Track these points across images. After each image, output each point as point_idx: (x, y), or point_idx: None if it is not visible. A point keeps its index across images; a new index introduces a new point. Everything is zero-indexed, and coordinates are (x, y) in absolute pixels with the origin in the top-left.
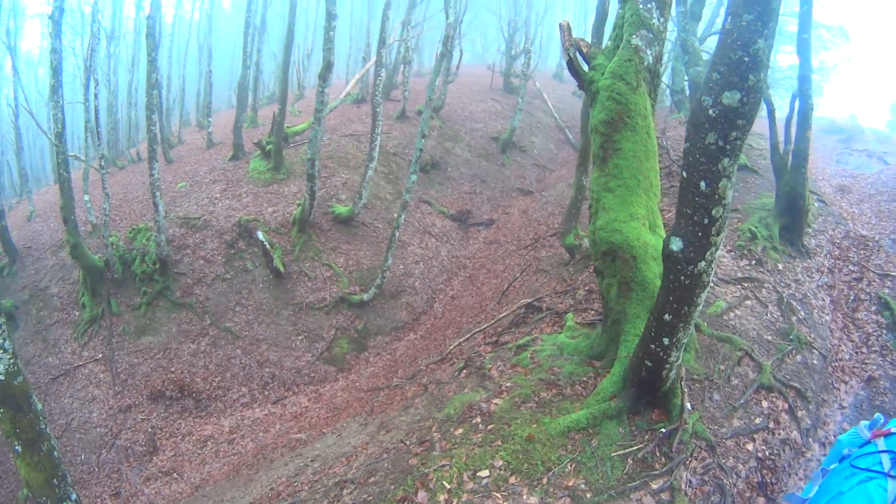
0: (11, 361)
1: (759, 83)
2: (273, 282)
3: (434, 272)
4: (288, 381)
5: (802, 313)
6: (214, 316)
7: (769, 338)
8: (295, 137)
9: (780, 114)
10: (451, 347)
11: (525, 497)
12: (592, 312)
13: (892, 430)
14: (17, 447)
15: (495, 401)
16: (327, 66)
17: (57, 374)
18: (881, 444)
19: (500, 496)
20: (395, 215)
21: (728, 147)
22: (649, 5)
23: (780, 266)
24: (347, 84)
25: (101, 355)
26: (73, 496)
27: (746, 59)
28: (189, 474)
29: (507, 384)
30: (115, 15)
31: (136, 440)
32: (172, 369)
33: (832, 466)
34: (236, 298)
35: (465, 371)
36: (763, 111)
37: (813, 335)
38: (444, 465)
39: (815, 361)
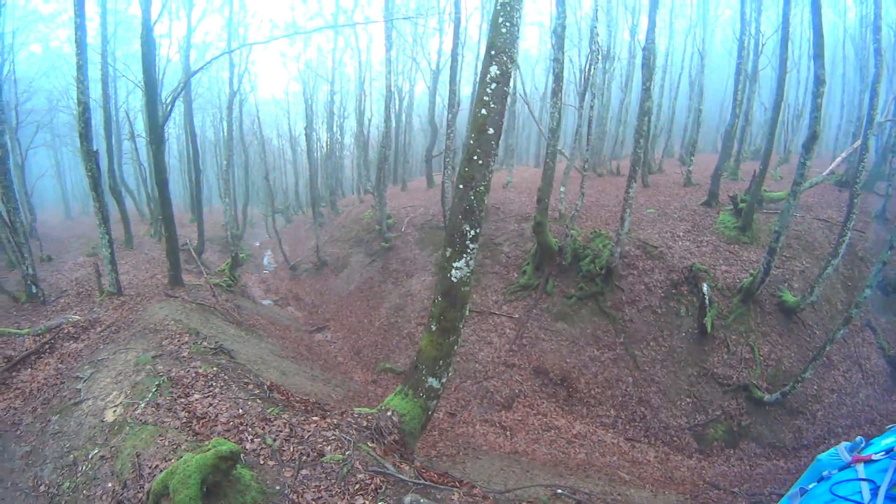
0: (468, 274)
1: None
2: (695, 336)
3: (842, 411)
4: (651, 429)
5: None
6: (629, 338)
7: None
8: (770, 204)
9: None
10: None
11: None
12: None
13: (873, 456)
14: (432, 326)
15: None
16: (813, 137)
17: (470, 309)
18: (862, 471)
19: None
20: (835, 328)
21: None
22: None
23: None
24: (834, 159)
25: (517, 315)
26: (443, 379)
27: None
28: (518, 440)
29: None
30: (610, 36)
31: (500, 391)
32: (567, 360)
33: (810, 486)
34: (655, 334)
35: None
36: None
37: None
38: None
39: None
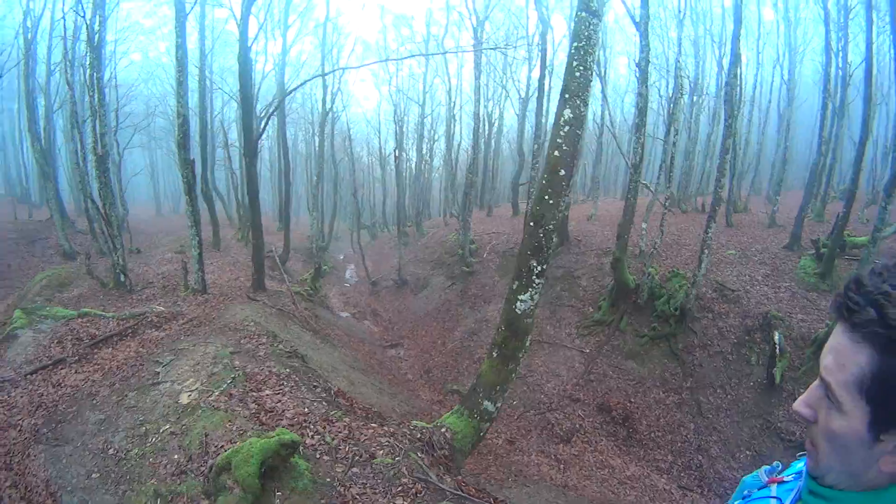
0: (532, 307)
1: None
2: (762, 386)
3: None
4: (706, 479)
5: None
6: (696, 383)
7: None
8: (852, 249)
9: None
10: None
11: None
12: None
13: (785, 479)
14: (494, 353)
15: None
16: (895, 179)
17: (542, 340)
18: (774, 490)
19: None
20: None
21: None
22: None
23: None
24: None
25: (588, 350)
26: (498, 404)
27: None
28: (571, 474)
29: None
30: (697, 67)
31: (561, 424)
32: (632, 400)
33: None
34: (723, 381)
35: None
36: None
37: None
38: None
39: None
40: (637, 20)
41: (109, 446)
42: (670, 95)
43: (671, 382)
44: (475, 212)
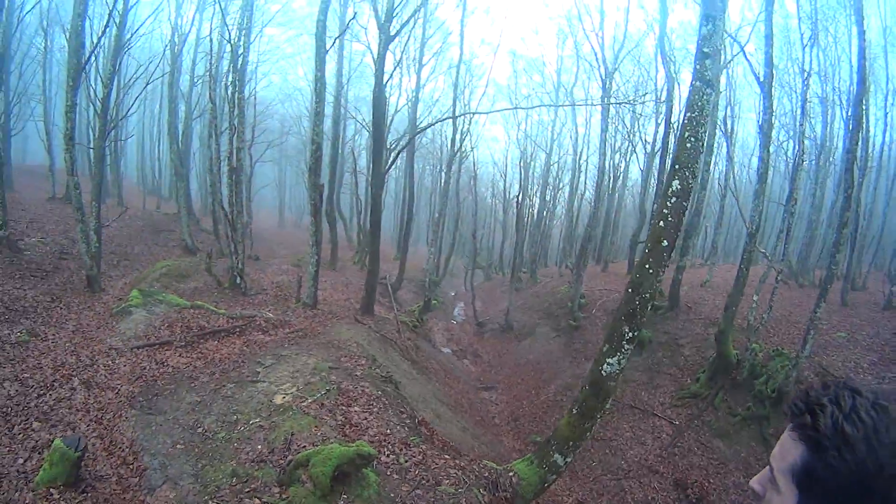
0: (618, 371)
1: None
2: None
3: None
4: None
5: None
6: None
7: None
8: None
9: None
10: None
11: None
12: None
13: None
14: (574, 409)
15: None
16: None
17: (635, 406)
18: None
19: None
20: None
21: None
22: None
23: None
24: None
25: (677, 422)
26: (568, 459)
27: None
28: None
29: None
30: (825, 127)
31: (634, 494)
32: (711, 480)
33: None
34: None
35: None
36: None
37: None
38: None
39: None
40: (761, 79)
41: (199, 425)
42: (795, 158)
43: (754, 468)
44: (590, 266)
